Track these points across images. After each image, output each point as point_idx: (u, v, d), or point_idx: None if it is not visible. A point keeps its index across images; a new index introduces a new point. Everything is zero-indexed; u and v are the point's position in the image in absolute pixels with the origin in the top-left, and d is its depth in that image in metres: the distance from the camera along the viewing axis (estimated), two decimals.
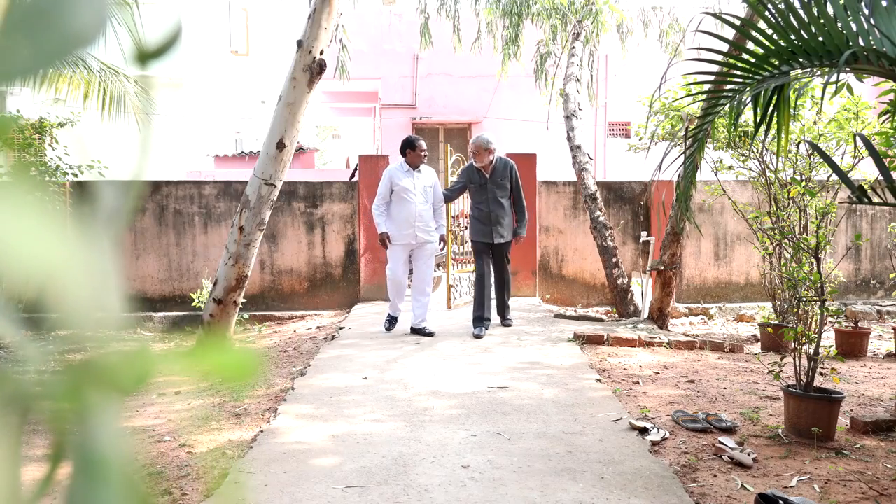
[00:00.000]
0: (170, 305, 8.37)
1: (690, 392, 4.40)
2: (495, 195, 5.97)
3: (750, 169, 6.44)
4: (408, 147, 5.92)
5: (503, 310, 6.36)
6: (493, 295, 6.27)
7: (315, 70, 5.68)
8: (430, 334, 5.94)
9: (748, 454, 3.21)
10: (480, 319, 6.01)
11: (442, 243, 6.09)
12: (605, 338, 5.86)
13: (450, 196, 6.28)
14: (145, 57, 0.42)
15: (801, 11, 2.70)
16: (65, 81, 6.34)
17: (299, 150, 14.28)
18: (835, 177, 5.41)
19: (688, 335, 6.64)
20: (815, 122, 5.89)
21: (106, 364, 0.38)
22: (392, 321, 6.14)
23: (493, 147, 5.97)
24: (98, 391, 0.38)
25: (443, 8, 10.38)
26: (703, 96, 4.05)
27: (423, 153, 5.92)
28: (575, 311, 7.82)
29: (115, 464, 0.37)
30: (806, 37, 2.68)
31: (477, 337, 5.84)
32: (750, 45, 2.99)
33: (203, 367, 0.43)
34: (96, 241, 0.39)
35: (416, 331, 5.99)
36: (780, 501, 2.51)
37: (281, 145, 5.77)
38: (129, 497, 0.36)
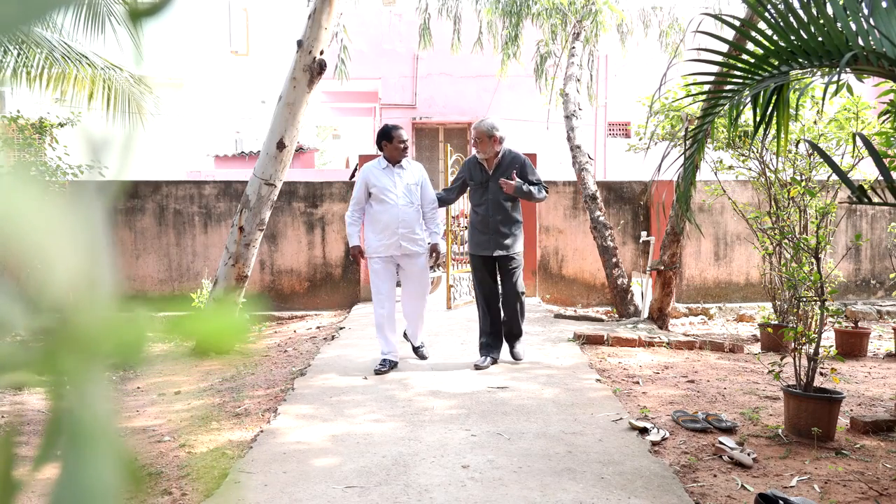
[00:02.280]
0: (170, 305, 8.37)
1: (690, 392, 4.40)
2: (497, 197, 4.79)
3: (750, 169, 6.44)
4: (383, 139, 4.84)
5: (511, 337, 5.07)
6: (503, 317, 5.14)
7: (315, 70, 5.69)
8: (423, 356, 5.09)
9: (748, 454, 3.21)
10: (487, 346, 5.00)
11: (434, 255, 4.93)
12: (605, 338, 5.86)
13: (447, 198, 5.18)
14: (138, 15, 0.42)
15: (800, 12, 2.70)
16: (69, 81, 6.34)
17: (299, 150, 14.28)
18: (835, 177, 5.42)
19: (688, 335, 6.65)
20: (815, 122, 5.90)
21: (101, 333, 0.39)
22: (384, 364, 4.84)
23: (500, 134, 4.78)
24: (92, 360, 0.38)
25: (443, 8, 10.38)
26: (703, 97, 4.05)
27: (402, 144, 4.80)
28: (575, 311, 7.82)
29: (106, 432, 0.37)
30: (805, 37, 2.68)
31: (477, 368, 4.84)
32: (750, 46, 2.99)
33: (195, 332, 0.43)
34: (87, 235, 0.40)
35: (413, 348, 5.18)
36: (780, 501, 2.51)
37: (281, 145, 5.78)
38: (119, 465, 0.37)
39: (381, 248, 4.78)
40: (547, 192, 4.92)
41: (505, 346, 5.14)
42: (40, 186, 0.39)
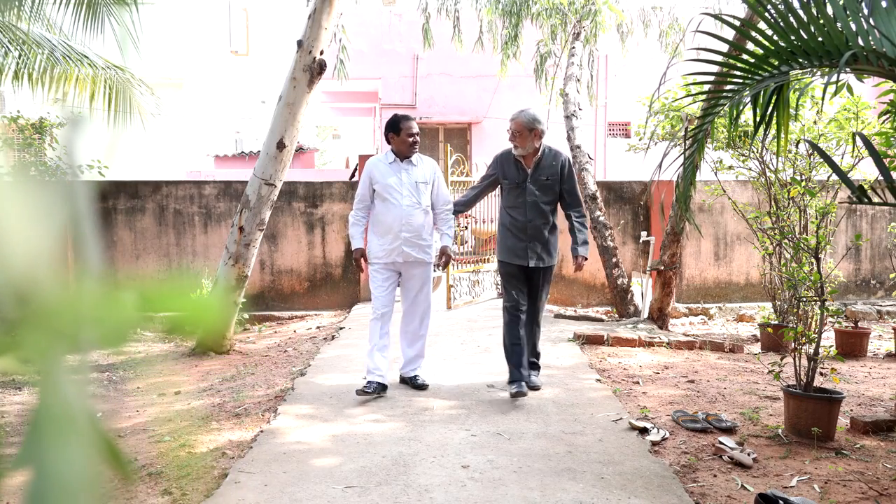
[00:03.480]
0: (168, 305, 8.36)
1: (690, 392, 4.40)
2: (536, 200, 4.17)
3: (750, 169, 6.44)
4: (390, 130, 4.27)
5: (531, 363, 4.40)
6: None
7: (315, 70, 5.68)
8: (423, 387, 4.30)
9: (748, 454, 3.21)
10: (520, 369, 4.21)
11: (444, 259, 4.35)
12: (605, 338, 5.86)
13: (467, 200, 4.58)
14: None
15: (800, 12, 2.70)
16: (70, 82, 6.34)
17: (299, 150, 14.28)
18: (835, 177, 5.42)
19: (688, 335, 6.65)
20: (815, 122, 5.89)
21: (75, 314, 0.39)
22: (371, 387, 4.12)
23: (542, 127, 4.17)
24: (67, 342, 0.38)
25: (443, 8, 10.38)
26: (703, 96, 4.05)
27: (411, 138, 4.22)
28: (575, 311, 7.82)
29: (81, 417, 0.37)
30: (805, 37, 2.68)
31: (515, 396, 4.05)
32: (750, 46, 2.99)
33: (173, 311, 0.44)
34: (59, 223, 0.40)
35: (405, 380, 4.40)
36: (780, 501, 2.51)
37: (281, 145, 5.77)
38: (95, 450, 0.37)
39: (382, 254, 4.23)
40: (584, 210, 4.42)
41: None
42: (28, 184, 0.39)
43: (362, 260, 4.30)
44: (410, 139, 4.23)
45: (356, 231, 4.31)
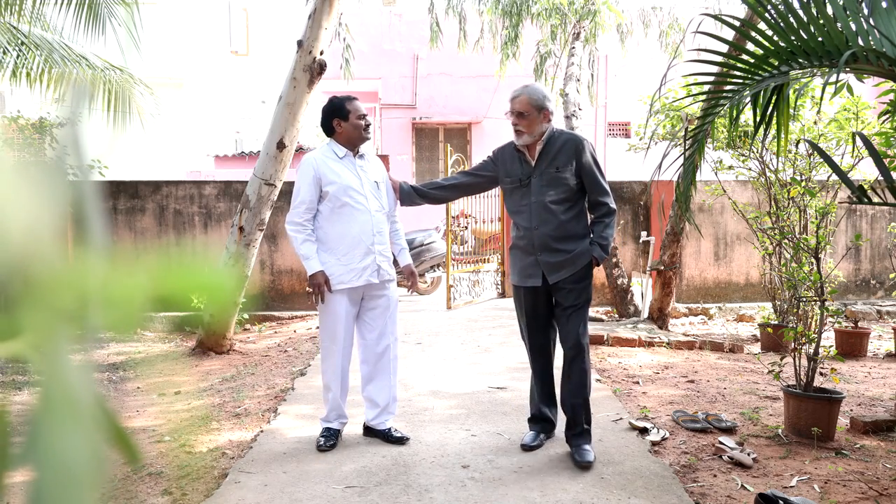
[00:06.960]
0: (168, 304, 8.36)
1: (690, 392, 4.41)
2: (543, 200, 3.20)
3: (750, 169, 6.44)
4: (335, 115, 3.36)
5: (574, 426, 3.24)
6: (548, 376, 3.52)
7: (315, 70, 5.68)
8: (400, 440, 3.37)
9: (748, 454, 3.21)
10: (536, 420, 3.44)
11: (413, 279, 3.60)
12: (605, 338, 5.86)
13: (443, 187, 3.56)
14: None
15: (800, 12, 2.70)
16: (69, 82, 6.34)
17: (299, 150, 14.27)
18: (835, 177, 5.42)
19: (688, 335, 6.65)
20: (815, 122, 5.89)
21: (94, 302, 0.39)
22: (330, 436, 3.35)
23: (547, 107, 3.22)
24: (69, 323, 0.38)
25: (449, 8, 10.40)
26: (703, 96, 4.04)
27: (362, 120, 3.37)
28: None
29: (84, 398, 0.37)
30: (805, 37, 2.68)
31: (525, 448, 3.30)
32: (750, 46, 2.99)
33: (183, 287, 0.44)
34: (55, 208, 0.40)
35: (371, 431, 3.46)
36: (780, 501, 2.51)
37: (281, 145, 5.77)
38: (101, 433, 0.37)
39: (348, 277, 3.28)
40: (613, 207, 3.28)
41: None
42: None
43: (326, 286, 3.25)
44: (362, 121, 3.36)
45: (310, 248, 3.28)
